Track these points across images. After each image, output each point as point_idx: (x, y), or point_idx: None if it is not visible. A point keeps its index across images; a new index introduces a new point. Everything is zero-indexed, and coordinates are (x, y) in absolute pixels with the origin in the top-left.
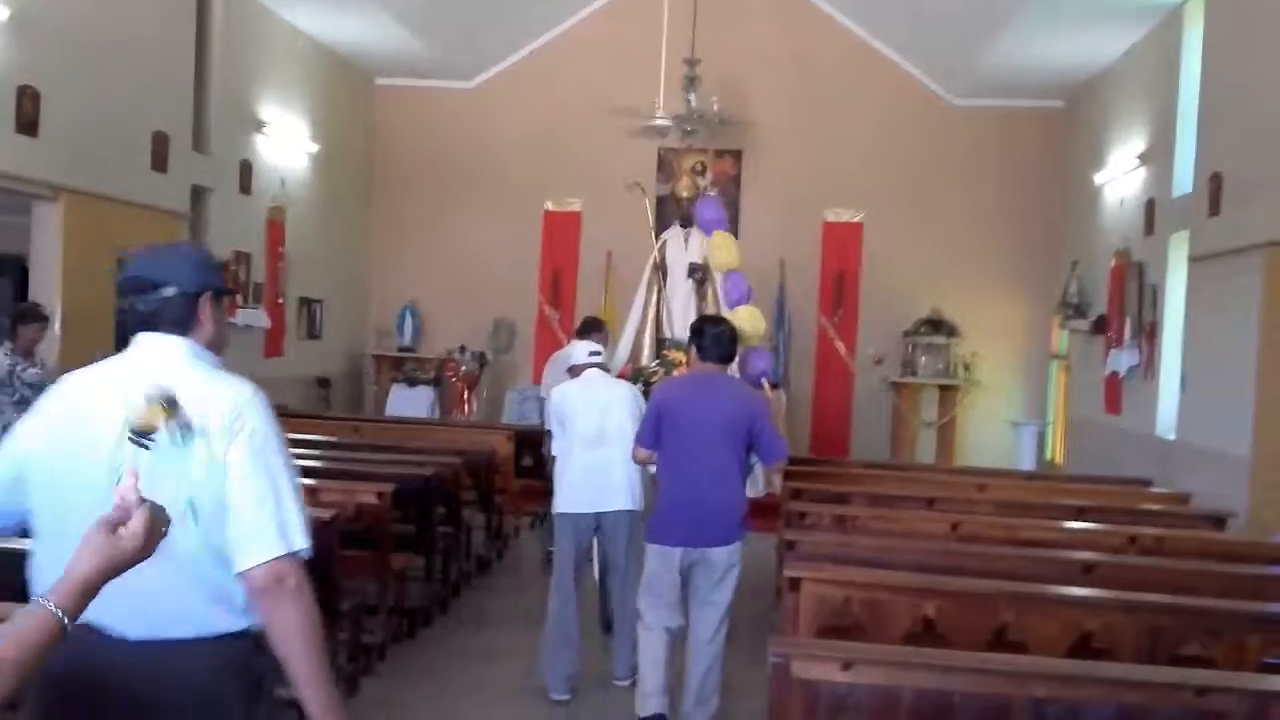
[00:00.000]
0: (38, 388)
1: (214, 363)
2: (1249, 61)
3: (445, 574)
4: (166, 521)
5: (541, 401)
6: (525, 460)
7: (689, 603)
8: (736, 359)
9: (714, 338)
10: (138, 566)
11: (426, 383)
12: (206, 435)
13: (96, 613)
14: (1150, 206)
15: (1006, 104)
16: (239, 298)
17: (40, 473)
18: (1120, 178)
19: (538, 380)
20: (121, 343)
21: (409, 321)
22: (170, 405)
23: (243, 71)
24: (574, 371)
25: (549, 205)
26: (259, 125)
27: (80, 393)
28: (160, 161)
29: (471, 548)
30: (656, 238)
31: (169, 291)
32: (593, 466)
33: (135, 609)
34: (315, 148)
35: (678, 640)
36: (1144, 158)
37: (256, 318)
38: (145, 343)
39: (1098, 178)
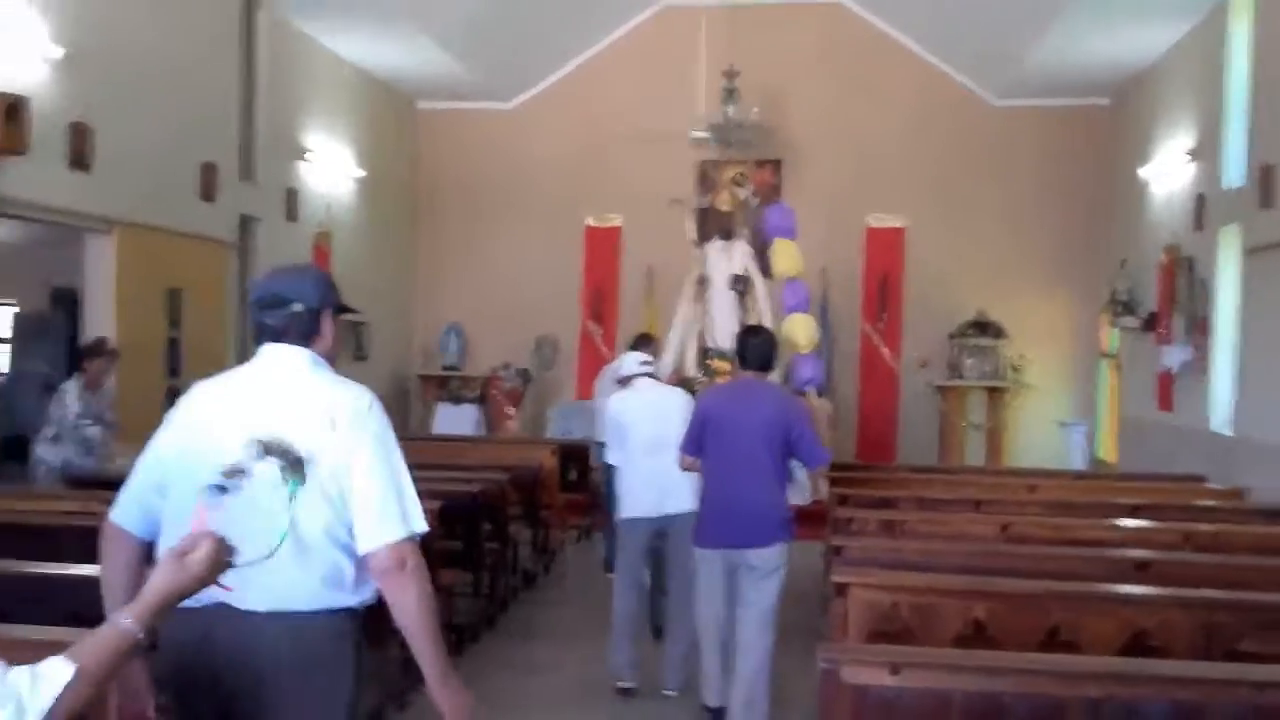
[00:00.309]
0: (97, 420)
1: (330, 370)
2: None
3: (493, 589)
4: (231, 552)
5: (593, 413)
6: (570, 474)
7: (737, 603)
8: (783, 366)
9: (754, 347)
10: (275, 555)
11: (471, 400)
12: (336, 429)
13: (233, 593)
14: (1200, 201)
15: (1049, 103)
16: None
17: (172, 477)
18: (1168, 173)
19: (582, 395)
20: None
21: (453, 341)
22: (277, 450)
23: (287, 100)
24: (625, 382)
25: (589, 221)
26: (303, 153)
27: (204, 401)
28: (209, 191)
29: (518, 563)
30: (699, 248)
31: (297, 307)
32: (654, 472)
33: (264, 586)
34: (360, 173)
35: (730, 642)
36: (1193, 152)
37: None
38: (270, 353)
39: (1144, 173)
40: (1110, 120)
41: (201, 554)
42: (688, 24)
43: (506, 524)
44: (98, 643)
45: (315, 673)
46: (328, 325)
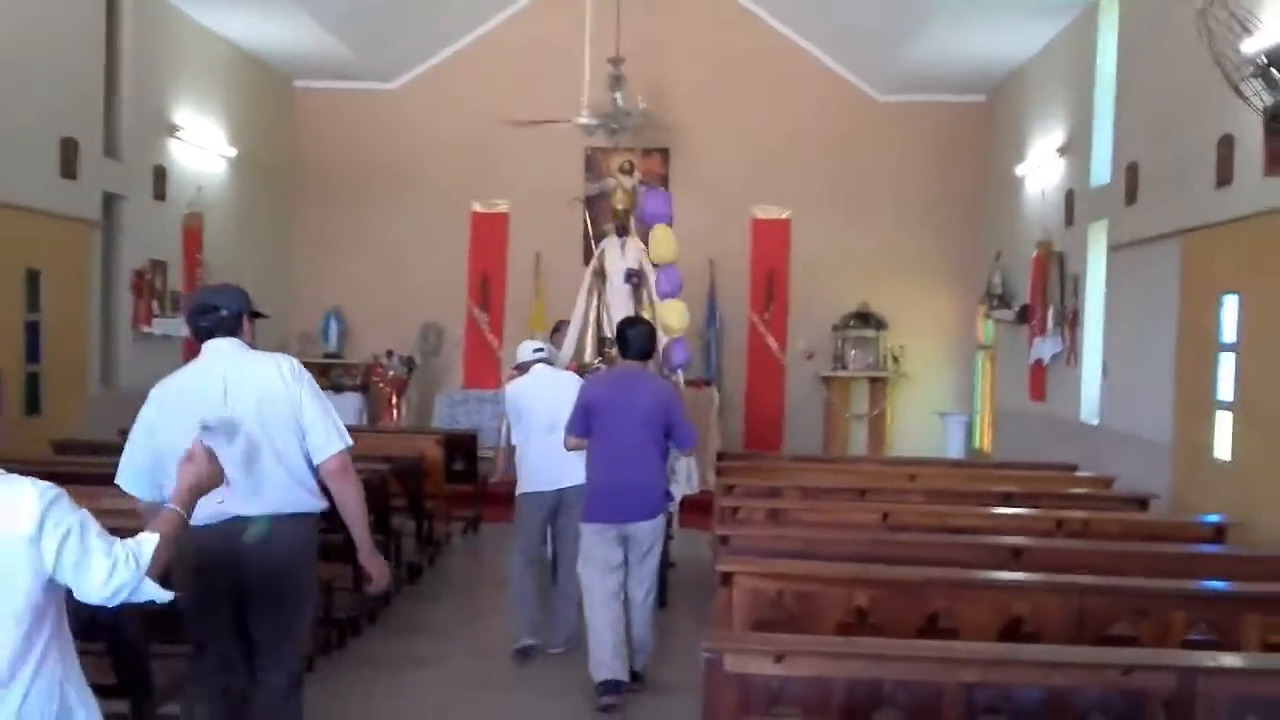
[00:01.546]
0: None
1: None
2: (1162, 53)
3: None
4: (220, 469)
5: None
6: (456, 465)
7: (625, 573)
8: (660, 350)
9: (634, 337)
10: (264, 471)
11: (353, 389)
12: (285, 382)
13: (236, 505)
14: (1070, 197)
15: (930, 99)
16: (155, 306)
17: (162, 434)
18: (1040, 169)
19: (469, 384)
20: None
21: (334, 327)
22: (224, 422)
23: (155, 75)
24: (522, 369)
25: (476, 207)
26: (173, 130)
27: (180, 380)
28: (69, 168)
29: (402, 555)
30: (595, 245)
31: (224, 313)
32: (549, 451)
33: (261, 498)
34: (233, 152)
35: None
36: (1063, 149)
37: (174, 327)
38: (211, 345)
39: (1019, 170)
40: (987, 117)
41: (200, 463)
42: (574, 8)
43: (389, 516)
44: (164, 521)
45: (301, 559)
46: (246, 324)
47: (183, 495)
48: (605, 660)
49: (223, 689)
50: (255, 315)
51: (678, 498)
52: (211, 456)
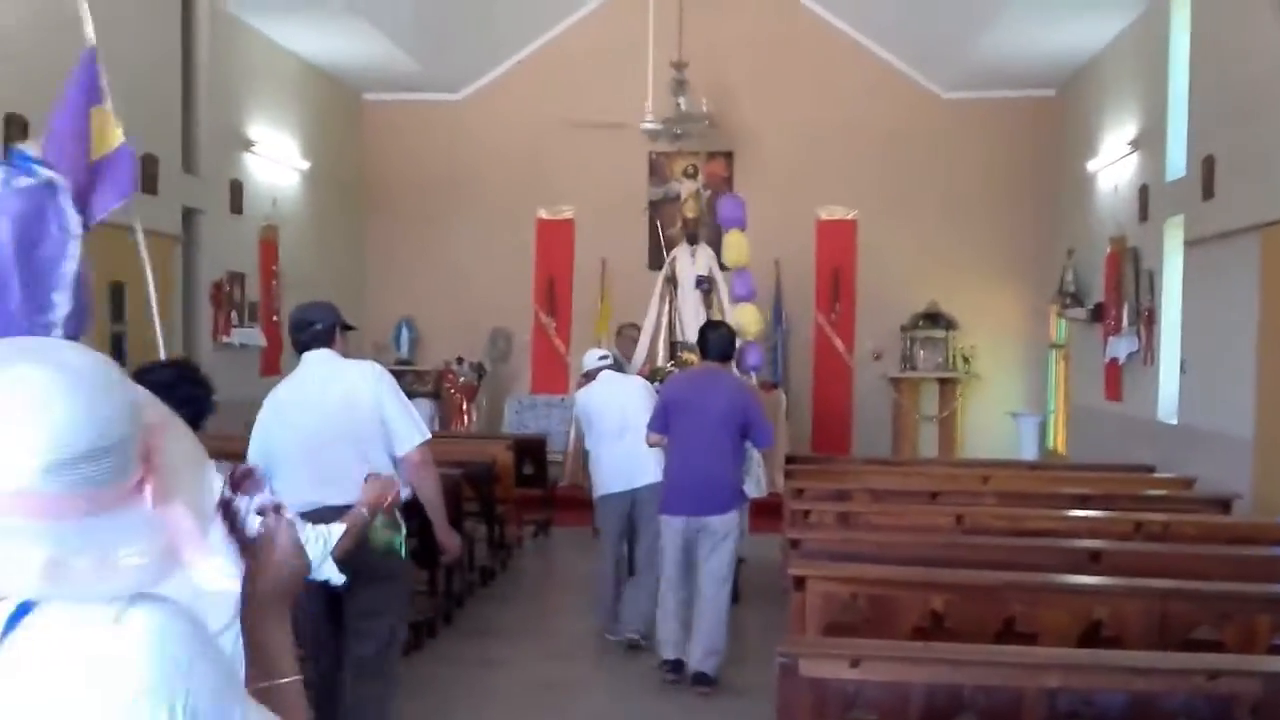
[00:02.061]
0: None
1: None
2: (1238, 43)
3: (449, 586)
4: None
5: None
6: (526, 469)
7: (698, 564)
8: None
9: (714, 340)
10: (348, 464)
11: (425, 395)
12: (369, 384)
13: (324, 495)
14: (1144, 192)
15: (997, 95)
16: (234, 316)
17: (272, 435)
18: (1113, 164)
19: (537, 389)
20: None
21: (405, 335)
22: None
23: (230, 91)
24: (590, 376)
25: (541, 213)
26: (248, 144)
27: (284, 388)
28: (150, 184)
29: (475, 559)
30: (667, 252)
31: (317, 327)
32: (620, 454)
33: (346, 492)
34: (305, 165)
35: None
36: (1136, 143)
37: (252, 337)
38: (310, 355)
39: (1090, 165)
40: (1057, 112)
41: (385, 477)
42: (636, 14)
43: (462, 521)
44: (351, 518)
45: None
46: (338, 336)
47: (368, 500)
48: (670, 641)
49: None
50: (346, 328)
51: (750, 495)
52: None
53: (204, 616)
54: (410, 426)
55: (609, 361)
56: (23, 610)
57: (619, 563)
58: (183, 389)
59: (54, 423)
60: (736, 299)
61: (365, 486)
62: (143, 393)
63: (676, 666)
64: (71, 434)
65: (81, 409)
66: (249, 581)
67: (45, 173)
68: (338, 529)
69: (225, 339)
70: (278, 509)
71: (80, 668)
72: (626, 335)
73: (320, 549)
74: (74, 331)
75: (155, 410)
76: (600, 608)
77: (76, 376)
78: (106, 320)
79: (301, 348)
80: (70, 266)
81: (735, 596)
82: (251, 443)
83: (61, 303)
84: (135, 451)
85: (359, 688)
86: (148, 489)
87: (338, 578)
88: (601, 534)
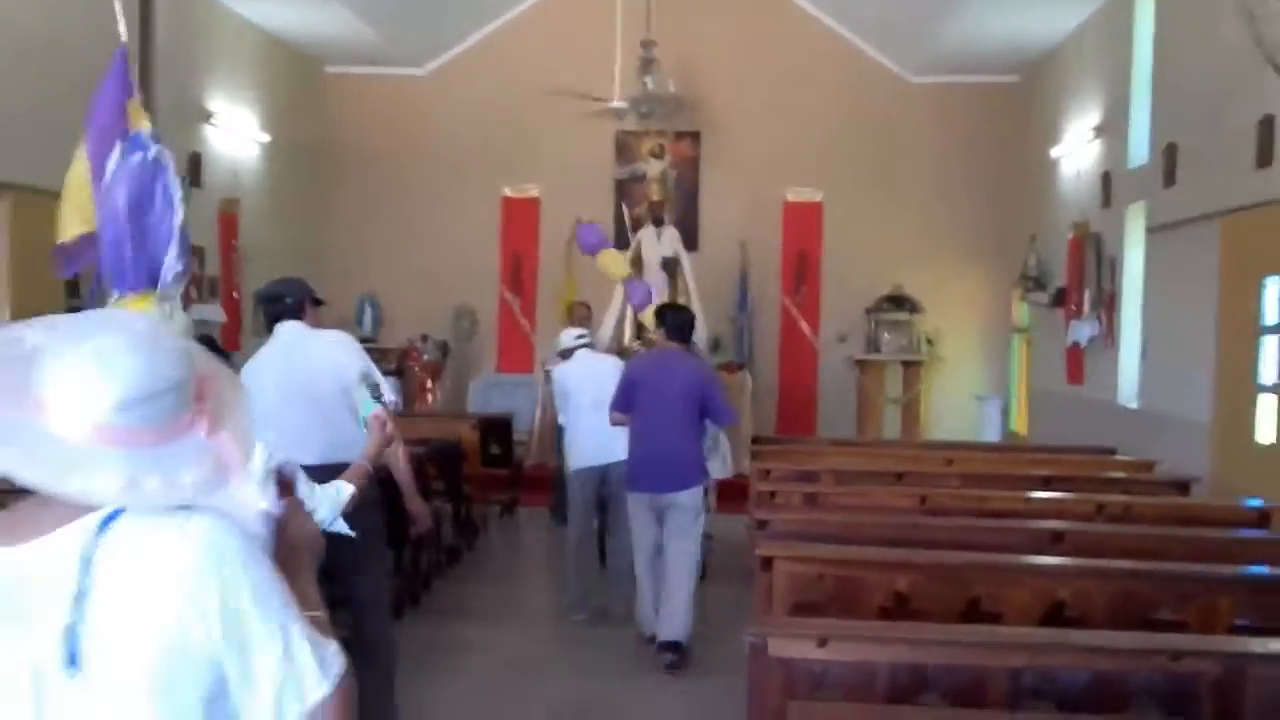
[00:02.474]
0: None
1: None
2: (1201, 31)
3: (415, 566)
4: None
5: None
6: (492, 449)
7: (664, 541)
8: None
9: (673, 321)
10: (315, 426)
11: (388, 373)
12: (335, 350)
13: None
14: (1106, 179)
15: (963, 80)
16: (193, 292)
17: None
18: (1076, 151)
19: (503, 368)
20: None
21: (368, 312)
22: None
23: (189, 63)
24: (565, 354)
25: (507, 191)
26: (207, 116)
27: (259, 358)
28: None
29: (441, 539)
30: (633, 233)
31: (289, 300)
32: (595, 429)
33: (309, 449)
34: (266, 138)
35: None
36: (1099, 130)
37: (212, 313)
38: (282, 327)
39: (1054, 151)
40: (1021, 98)
41: (384, 418)
42: None
43: (428, 500)
44: (355, 472)
45: (369, 507)
46: (309, 309)
47: (370, 454)
48: (651, 617)
49: None
50: (317, 302)
51: (715, 475)
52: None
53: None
54: (373, 389)
55: (586, 340)
56: (111, 516)
57: (586, 538)
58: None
59: (122, 374)
60: (638, 305)
61: (367, 439)
62: (196, 348)
63: (654, 642)
64: (135, 382)
65: (142, 363)
66: (279, 531)
67: (155, 148)
68: (347, 488)
69: (185, 313)
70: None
71: (155, 562)
72: (578, 313)
73: (330, 507)
74: (177, 284)
75: (207, 363)
76: (567, 590)
77: (138, 338)
78: (63, 295)
79: (272, 320)
80: (174, 228)
81: (703, 573)
82: None
83: (170, 261)
84: (189, 394)
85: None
86: (201, 424)
87: (347, 531)
88: (571, 509)
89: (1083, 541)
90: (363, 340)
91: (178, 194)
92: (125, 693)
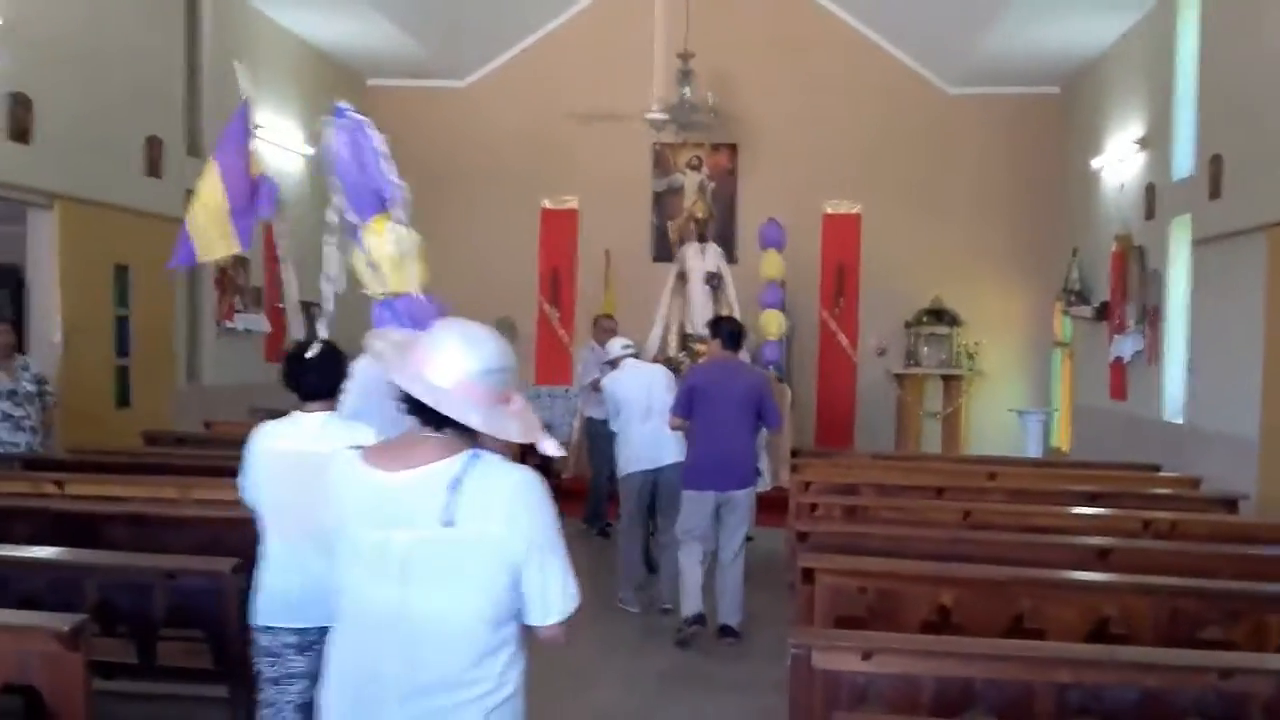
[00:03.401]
0: (9, 395)
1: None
2: (1247, 41)
3: None
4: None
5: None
6: (530, 459)
7: (718, 535)
8: (755, 349)
9: (729, 332)
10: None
11: None
12: None
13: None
14: (1150, 191)
15: (1003, 91)
16: (238, 301)
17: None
18: (1119, 163)
19: (541, 380)
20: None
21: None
22: None
23: (234, 74)
24: (614, 364)
25: (545, 203)
26: (253, 129)
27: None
28: (154, 166)
29: None
30: (676, 248)
31: None
32: (647, 435)
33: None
34: (310, 150)
35: (708, 563)
36: (1143, 142)
37: (256, 322)
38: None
39: (1095, 163)
40: (1062, 109)
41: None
42: (643, 4)
43: None
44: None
45: None
46: None
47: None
48: (694, 601)
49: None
50: None
51: (766, 479)
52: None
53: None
54: None
55: (633, 350)
56: (468, 460)
57: (638, 536)
58: (330, 360)
59: (483, 350)
60: (765, 306)
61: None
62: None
63: (698, 619)
64: (489, 357)
65: (494, 346)
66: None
67: (354, 116)
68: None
69: (229, 324)
70: None
71: (492, 492)
72: (603, 326)
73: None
74: (400, 204)
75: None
76: (623, 588)
77: (489, 332)
78: (110, 304)
79: None
80: (390, 178)
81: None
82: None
83: (391, 188)
84: (511, 378)
85: None
86: (516, 398)
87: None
88: (623, 509)
89: (1129, 558)
90: None
91: (385, 151)
92: (464, 578)
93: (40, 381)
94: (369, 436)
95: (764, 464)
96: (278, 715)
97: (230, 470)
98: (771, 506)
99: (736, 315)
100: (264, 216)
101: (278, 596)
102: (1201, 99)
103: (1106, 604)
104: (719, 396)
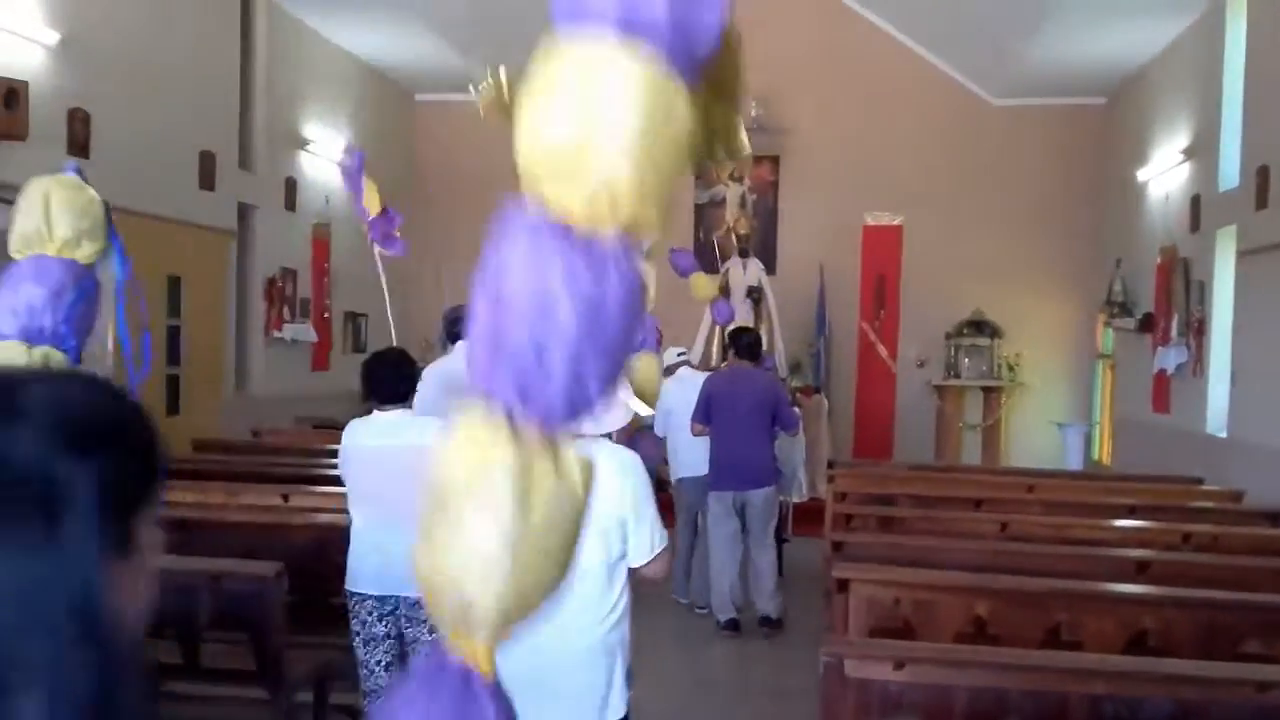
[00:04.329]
0: None
1: None
2: None
3: None
4: None
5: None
6: None
7: (747, 535)
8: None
9: (746, 344)
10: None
11: None
12: None
13: None
14: (1196, 202)
15: (1046, 102)
16: (286, 312)
17: (429, 396)
18: (1164, 174)
19: None
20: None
21: None
22: None
23: (287, 90)
24: (668, 371)
25: None
26: (303, 143)
27: (441, 367)
28: (208, 180)
29: None
30: (720, 261)
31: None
32: (696, 442)
33: None
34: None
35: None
36: (1188, 152)
37: (304, 332)
38: (461, 344)
39: (1141, 174)
40: (1107, 120)
41: None
42: None
43: None
44: None
45: None
46: None
47: None
48: (727, 605)
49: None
50: None
51: (792, 500)
52: None
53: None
54: None
55: (686, 358)
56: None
57: (689, 538)
58: (406, 366)
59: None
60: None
61: None
62: None
63: (733, 625)
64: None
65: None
66: None
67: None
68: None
69: (277, 334)
70: None
71: (604, 465)
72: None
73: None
74: None
75: None
76: (676, 586)
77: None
78: (162, 314)
79: (454, 339)
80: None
81: (779, 569)
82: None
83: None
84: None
85: None
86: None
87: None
88: (679, 514)
89: (1168, 571)
90: None
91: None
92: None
93: None
94: (437, 431)
95: (801, 474)
96: (370, 675)
97: (275, 477)
98: (807, 517)
99: (776, 329)
100: (393, 248)
101: (359, 568)
102: (1248, 109)
103: (1144, 617)
104: (734, 402)
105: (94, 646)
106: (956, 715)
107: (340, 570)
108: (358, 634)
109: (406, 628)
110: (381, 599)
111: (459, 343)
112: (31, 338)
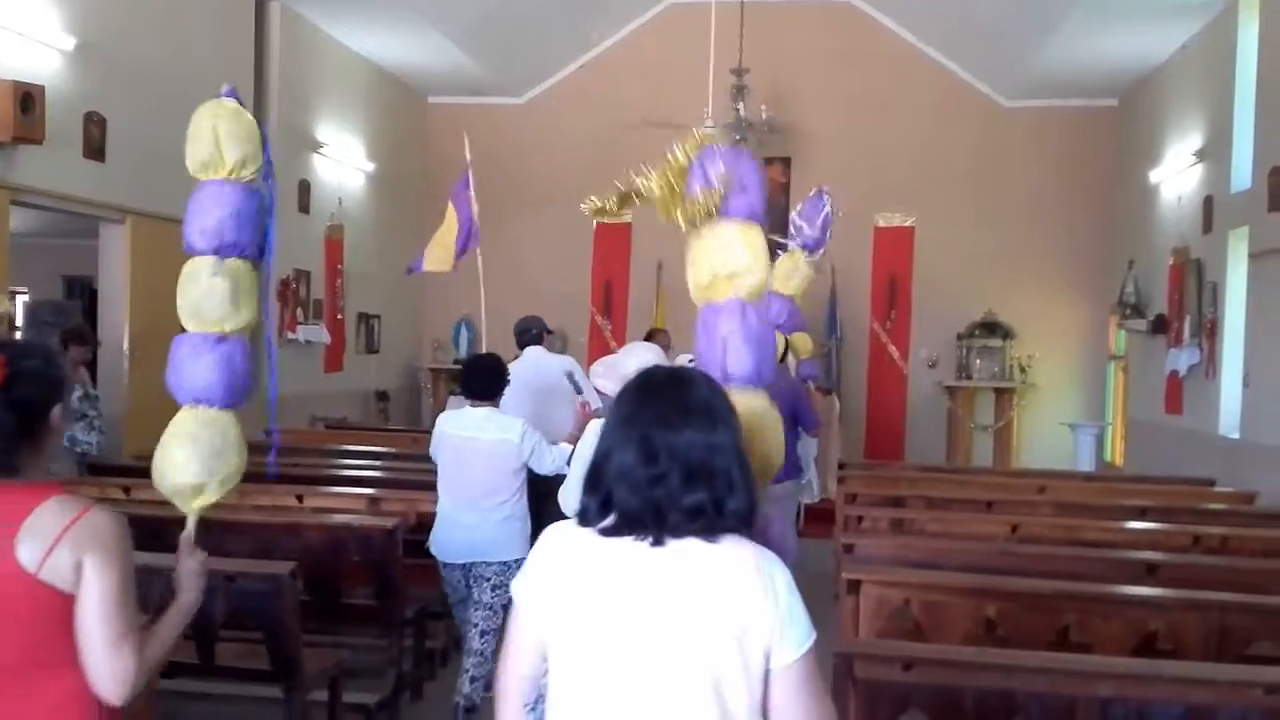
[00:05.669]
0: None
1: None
2: None
3: None
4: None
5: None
6: None
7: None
8: (793, 365)
9: None
10: (550, 407)
11: None
12: (561, 369)
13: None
14: (1208, 203)
15: (1058, 104)
16: (299, 313)
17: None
18: (1176, 175)
19: None
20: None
21: (464, 334)
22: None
23: (300, 93)
24: None
25: (600, 217)
26: (317, 146)
27: (517, 365)
28: None
29: None
30: None
31: (534, 331)
32: None
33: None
34: (371, 166)
35: None
36: (1201, 154)
37: (317, 333)
38: (529, 350)
39: (1153, 175)
40: (1119, 121)
41: (588, 410)
42: (697, 20)
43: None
44: (569, 438)
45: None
46: (545, 338)
47: (573, 430)
48: None
49: None
50: (548, 332)
51: (804, 500)
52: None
53: None
54: (578, 384)
55: (694, 360)
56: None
57: None
58: (500, 370)
59: (645, 357)
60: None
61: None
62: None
63: None
64: (650, 359)
65: (652, 354)
66: None
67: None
68: (568, 447)
69: (290, 335)
70: None
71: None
72: (659, 340)
73: (560, 456)
74: None
75: None
76: None
77: (657, 352)
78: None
79: (522, 344)
80: None
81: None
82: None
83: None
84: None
85: None
86: None
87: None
88: None
89: (1178, 573)
90: (457, 362)
91: None
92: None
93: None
94: (518, 426)
95: (813, 475)
96: (470, 634)
97: (290, 477)
98: (818, 518)
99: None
100: (471, 248)
101: (444, 540)
102: (1260, 111)
103: (1153, 619)
104: None
105: None
106: (965, 717)
107: (353, 569)
108: (449, 595)
109: (473, 585)
110: (466, 566)
111: (527, 349)
112: (222, 252)
